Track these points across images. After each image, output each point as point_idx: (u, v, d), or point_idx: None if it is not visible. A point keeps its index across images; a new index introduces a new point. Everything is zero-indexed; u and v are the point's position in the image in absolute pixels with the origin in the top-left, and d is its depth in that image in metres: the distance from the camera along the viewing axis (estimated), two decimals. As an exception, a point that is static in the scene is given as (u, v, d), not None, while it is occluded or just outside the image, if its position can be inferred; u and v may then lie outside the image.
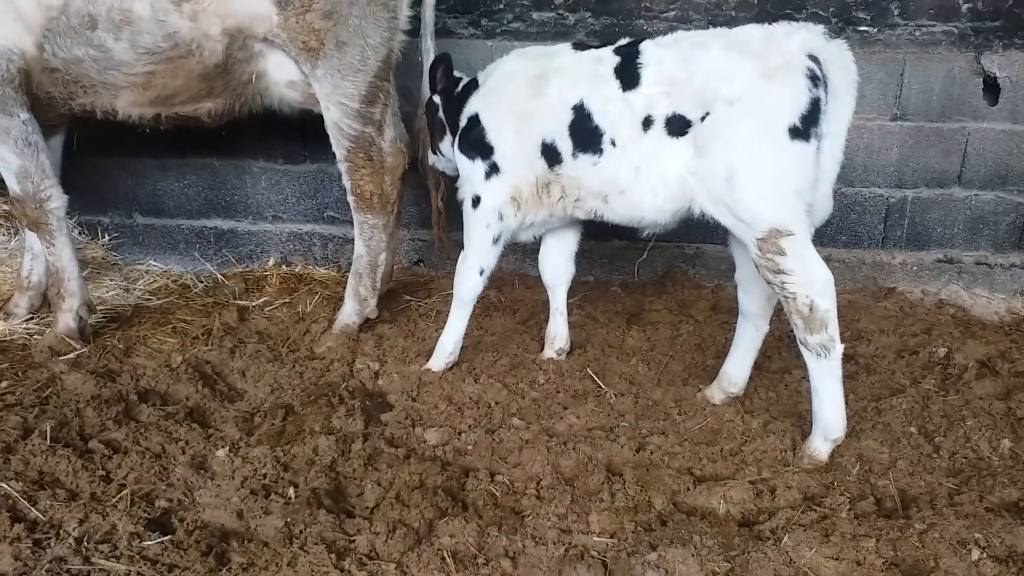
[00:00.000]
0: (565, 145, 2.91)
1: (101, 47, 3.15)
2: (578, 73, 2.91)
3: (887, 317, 3.87)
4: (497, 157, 3.09)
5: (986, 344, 3.56)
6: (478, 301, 3.94)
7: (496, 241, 3.20)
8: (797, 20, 3.94)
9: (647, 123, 2.76)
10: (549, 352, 3.46)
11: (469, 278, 3.28)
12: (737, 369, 3.11)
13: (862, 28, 4.05)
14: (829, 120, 2.60)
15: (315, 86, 3.38)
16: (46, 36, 3.11)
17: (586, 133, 2.86)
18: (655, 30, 4.07)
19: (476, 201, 3.16)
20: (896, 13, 4.02)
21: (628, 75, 2.80)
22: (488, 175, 3.12)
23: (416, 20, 3.50)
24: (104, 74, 3.22)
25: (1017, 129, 4.05)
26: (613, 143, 2.82)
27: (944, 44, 4.02)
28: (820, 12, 4.03)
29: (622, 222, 2.99)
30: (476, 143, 3.12)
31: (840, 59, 2.61)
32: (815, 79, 2.57)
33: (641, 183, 2.81)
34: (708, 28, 3.95)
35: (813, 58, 2.59)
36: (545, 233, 3.38)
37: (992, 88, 4.03)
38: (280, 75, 3.42)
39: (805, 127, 2.57)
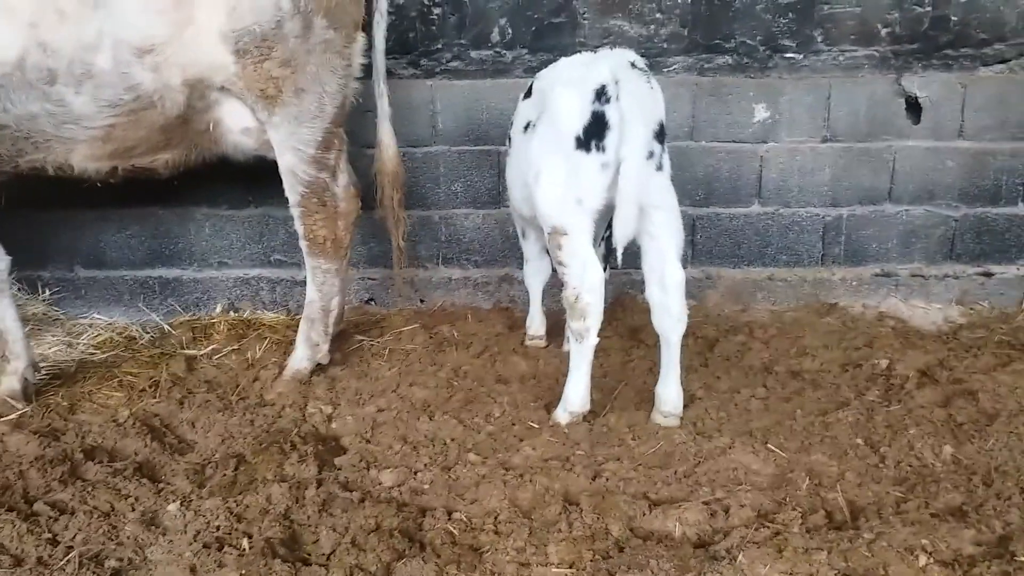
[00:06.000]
0: None
1: (60, 101, 3.09)
2: None
3: (830, 332, 3.98)
4: None
5: (925, 353, 3.68)
6: (431, 336, 3.99)
7: None
8: (726, 49, 4.16)
9: (526, 128, 3.26)
10: None
11: None
12: (663, 389, 3.17)
13: (788, 55, 4.20)
14: (624, 142, 2.83)
15: (271, 133, 3.39)
16: None
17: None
18: (591, 64, 4.16)
19: None
20: (820, 40, 4.18)
21: (528, 91, 3.38)
22: None
23: (368, 67, 3.56)
24: (61, 128, 3.16)
25: (940, 146, 4.22)
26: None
27: (867, 67, 4.19)
28: (748, 41, 4.18)
29: None
30: None
31: (632, 85, 2.87)
32: (601, 96, 2.87)
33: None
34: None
35: (616, 81, 2.87)
36: None
37: (914, 108, 4.20)
38: (235, 122, 3.42)
39: (587, 139, 2.90)
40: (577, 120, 2.91)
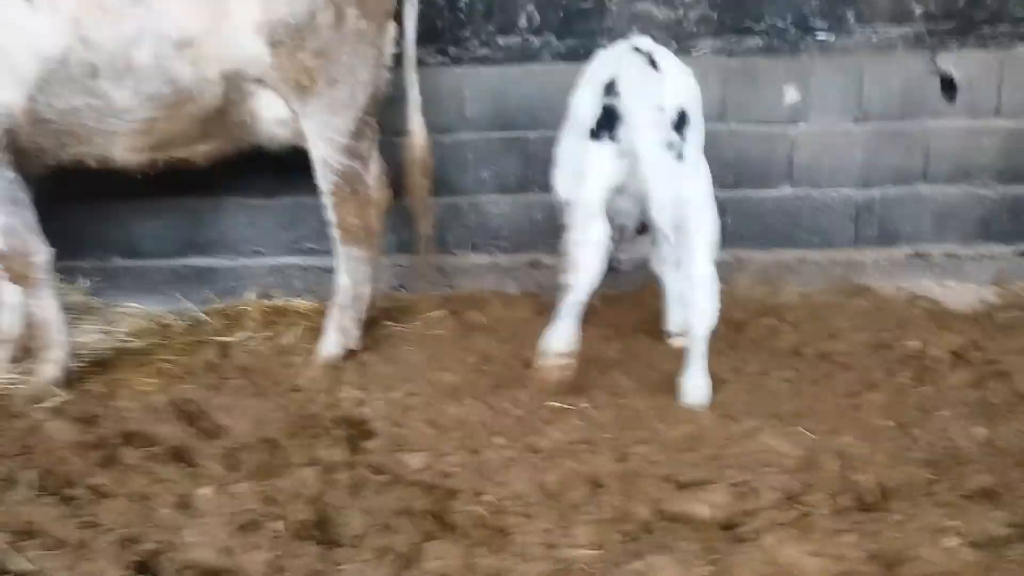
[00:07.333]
0: None
1: (102, 95, 3.16)
2: None
3: (861, 314, 3.93)
4: None
5: (958, 335, 3.62)
6: (459, 322, 4.00)
7: None
8: (756, 31, 4.11)
9: None
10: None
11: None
12: (685, 380, 3.19)
13: (820, 36, 4.14)
14: (631, 132, 2.89)
15: (304, 123, 3.43)
16: (41, 88, 3.12)
17: None
18: (619, 49, 4.14)
19: None
20: (852, 20, 4.11)
21: None
22: None
23: (398, 56, 3.61)
24: (103, 122, 3.23)
25: (976, 125, 4.14)
26: None
27: (900, 47, 4.11)
28: (779, 23, 4.12)
29: None
30: None
31: (630, 74, 2.94)
32: (611, 90, 2.92)
33: None
34: (670, 44, 4.12)
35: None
36: None
37: (949, 87, 4.11)
38: (270, 113, 3.47)
39: (598, 130, 2.96)
40: (590, 115, 2.98)
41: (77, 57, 3.09)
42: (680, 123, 2.93)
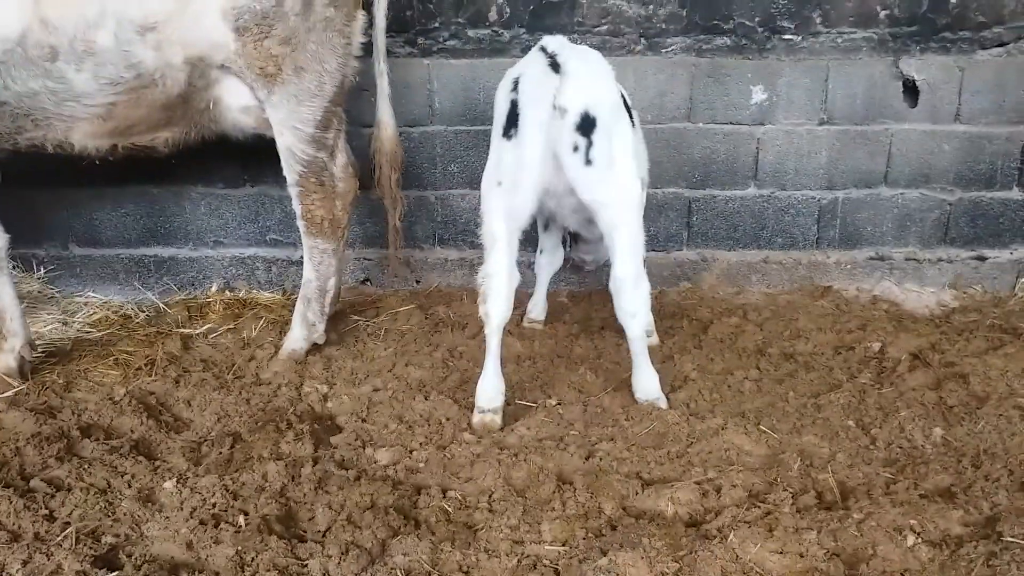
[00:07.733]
0: None
1: (61, 79, 3.08)
2: None
3: (824, 315, 4.00)
4: None
5: (918, 337, 3.70)
6: (426, 317, 4.00)
7: None
8: (725, 30, 4.14)
9: None
10: None
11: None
12: (634, 378, 3.21)
13: (787, 37, 4.17)
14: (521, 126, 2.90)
15: (270, 111, 3.38)
16: None
17: None
18: (589, 44, 4.14)
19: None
20: (819, 21, 4.16)
21: None
22: None
23: (366, 46, 3.56)
24: (62, 106, 3.15)
25: (937, 129, 4.22)
26: None
27: (865, 50, 4.17)
28: (746, 22, 4.15)
29: None
30: None
31: (528, 71, 2.96)
32: (516, 86, 2.96)
33: None
34: (640, 41, 4.15)
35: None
36: None
37: (911, 91, 4.19)
38: (234, 101, 3.42)
39: (508, 127, 2.96)
40: (502, 109, 3.00)
41: (36, 39, 3.00)
42: (586, 126, 2.85)
